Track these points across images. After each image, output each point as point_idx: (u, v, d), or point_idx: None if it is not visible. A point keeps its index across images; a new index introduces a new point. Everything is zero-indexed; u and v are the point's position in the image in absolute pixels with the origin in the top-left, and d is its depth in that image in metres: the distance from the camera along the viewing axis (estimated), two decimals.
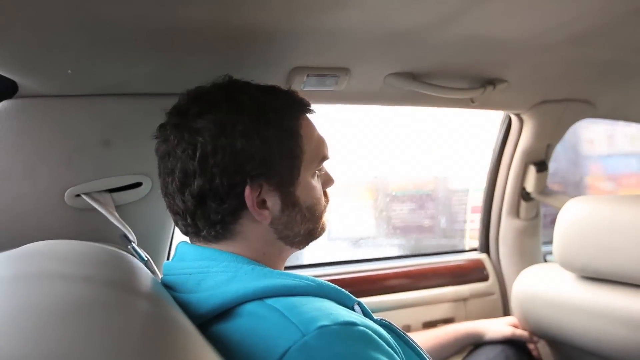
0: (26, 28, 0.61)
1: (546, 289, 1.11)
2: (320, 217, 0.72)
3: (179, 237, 0.93)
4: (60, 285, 0.44)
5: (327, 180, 0.75)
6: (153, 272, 0.80)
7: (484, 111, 1.32)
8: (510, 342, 1.16)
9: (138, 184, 0.90)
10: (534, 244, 1.48)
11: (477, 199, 1.59)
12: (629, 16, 0.80)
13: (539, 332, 1.16)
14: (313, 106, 0.73)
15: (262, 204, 0.66)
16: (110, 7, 0.60)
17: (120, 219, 0.85)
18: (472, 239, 1.63)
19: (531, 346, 1.19)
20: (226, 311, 0.58)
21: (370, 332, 0.54)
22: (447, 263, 1.44)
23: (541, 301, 1.11)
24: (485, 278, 1.44)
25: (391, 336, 0.60)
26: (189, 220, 0.66)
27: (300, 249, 0.73)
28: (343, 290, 0.64)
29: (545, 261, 1.53)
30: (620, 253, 0.92)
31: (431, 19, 0.75)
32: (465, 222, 1.69)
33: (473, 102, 1.10)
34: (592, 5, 0.75)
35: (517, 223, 1.45)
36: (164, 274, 0.69)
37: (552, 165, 1.44)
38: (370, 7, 0.69)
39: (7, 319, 0.35)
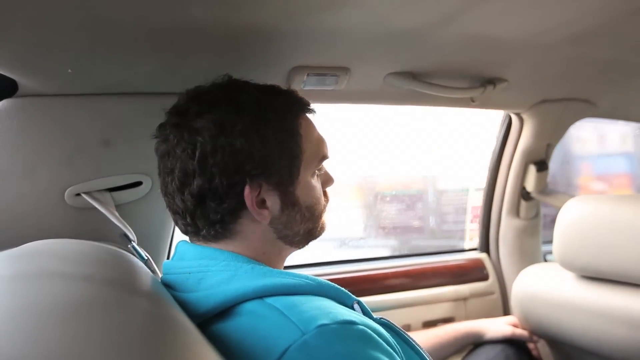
0: (26, 28, 0.61)
1: (546, 288, 1.11)
2: (319, 216, 0.72)
3: (179, 236, 0.93)
4: (61, 284, 0.44)
5: (326, 180, 0.75)
6: (153, 271, 0.80)
7: (484, 110, 1.31)
8: (510, 342, 1.16)
9: (138, 183, 0.90)
10: (534, 243, 1.48)
11: (477, 198, 1.59)
12: (628, 15, 0.80)
13: (539, 332, 1.16)
14: (313, 105, 0.73)
15: (262, 204, 0.66)
16: (110, 7, 0.60)
17: (120, 218, 0.85)
18: (471, 240, 1.63)
19: (531, 346, 1.19)
20: (226, 310, 0.58)
21: (369, 330, 0.54)
22: (447, 262, 1.44)
23: (541, 301, 1.11)
24: (485, 277, 1.44)
25: (391, 335, 0.60)
26: (188, 219, 0.66)
27: (300, 248, 0.73)
28: (342, 289, 0.64)
29: (545, 261, 1.53)
30: (621, 253, 0.92)
31: (431, 18, 0.75)
32: (465, 222, 1.69)
33: (473, 101, 1.10)
34: (592, 4, 0.75)
35: (517, 222, 1.45)
36: (164, 273, 0.69)
37: None
38: (370, 6, 0.69)
39: (7, 318, 0.35)
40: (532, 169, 1.39)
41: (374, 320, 0.61)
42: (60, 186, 0.84)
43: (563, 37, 0.86)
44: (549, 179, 1.44)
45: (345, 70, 0.91)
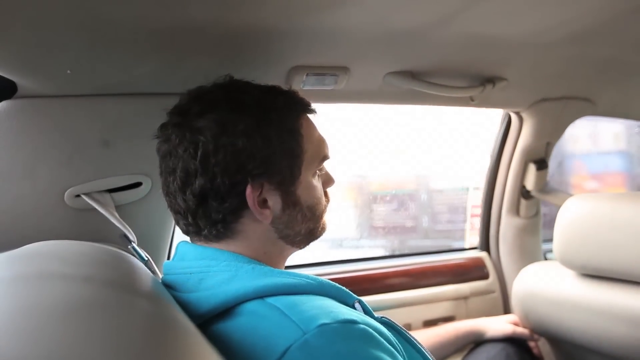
0: (26, 28, 0.61)
1: (546, 286, 1.11)
2: (320, 216, 0.72)
3: (179, 236, 0.93)
4: (61, 285, 0.44)
5: (327, 180, 0.75)
6: (153, 271, 0.80)
7: (483, 110, 1.31)
8: (511, 340, 1.15)
9: (138, 184, 0.90)
10: (534, 241, 1.48)
11: (476, 198, 1.59)
12: (628, 14, 0.80)
13: (539, 330, 1.16)
14: (313, 106, 0.73)
15: (263, 203, 0.66)
16: (110, 7, 0.60)
17: (120, 219, 0.85)
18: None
19: (532, 344, 1.19)
20: (227, 310, 0.58)
21: (370, 330, 0.54)
22: (448, 261, 1.44)
23: (542, 299, 1.11)
24: (485, 276, 1.44)
25: (392, 334, 0.60)
26: (190, 219, 0.66)
27: (301, 248, 0.73)
28: (343, 288, 0.64)
29: (546, 259, 1.53)
30: (621, 250, 0.92)
31: (430, 17, 0.75)
32: (465, 221, 1.70)
33: (473, 100, 1.10)
34: (592, 3, 0.75)
35: (517, 221, 1.45)
36: (165, 274, 0.69)
37: None
38: (369, 5, 0.69)
39: (7, 319, 0.35)
40: (531, 168, 1.39)
41: (375, 319, 0.61)
42: (60, 187, 0.83)
43: (563, 35, 0.86)
44: None
45: (344, 70, 0.91)
